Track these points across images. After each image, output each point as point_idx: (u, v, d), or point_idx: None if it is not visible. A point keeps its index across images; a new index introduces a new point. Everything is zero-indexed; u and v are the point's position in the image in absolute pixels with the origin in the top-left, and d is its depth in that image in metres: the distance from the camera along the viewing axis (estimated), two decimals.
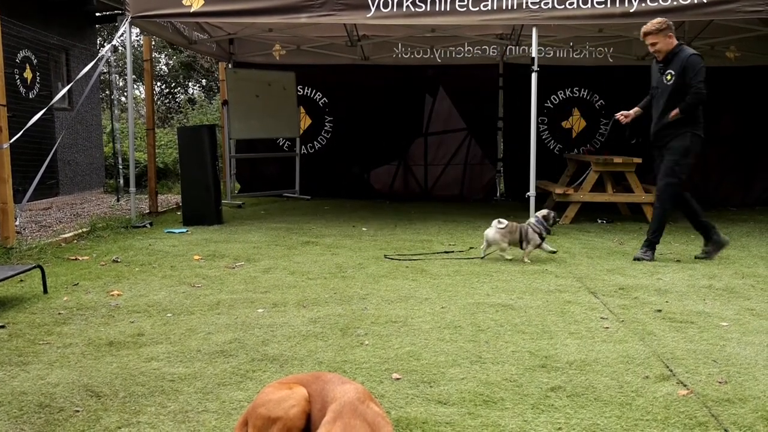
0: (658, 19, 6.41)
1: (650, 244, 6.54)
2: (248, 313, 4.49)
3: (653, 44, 6.40)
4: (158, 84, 24.73)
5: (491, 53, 12.07)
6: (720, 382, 3.28)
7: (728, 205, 11.08)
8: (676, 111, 6.32)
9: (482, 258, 6.50)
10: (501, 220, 6.46)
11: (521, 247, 6.47)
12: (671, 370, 3.44)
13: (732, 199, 11.40)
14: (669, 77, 6.38)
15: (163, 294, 5.03)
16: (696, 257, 6.62)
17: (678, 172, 6.37)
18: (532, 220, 6.58)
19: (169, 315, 4.46)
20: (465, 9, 7.78)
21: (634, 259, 6.46)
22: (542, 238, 6.47)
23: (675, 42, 6.38)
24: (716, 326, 4.26)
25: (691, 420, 2.87)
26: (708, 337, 4.02)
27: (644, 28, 6.41)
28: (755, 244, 7.36)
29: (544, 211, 6.64)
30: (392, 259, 6.43)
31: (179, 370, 3.42)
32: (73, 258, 6.39)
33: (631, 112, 6.92)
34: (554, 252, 6.69)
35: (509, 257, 6.46)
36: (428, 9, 7.81)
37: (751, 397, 3.11)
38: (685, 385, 3.24)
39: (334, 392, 2.44)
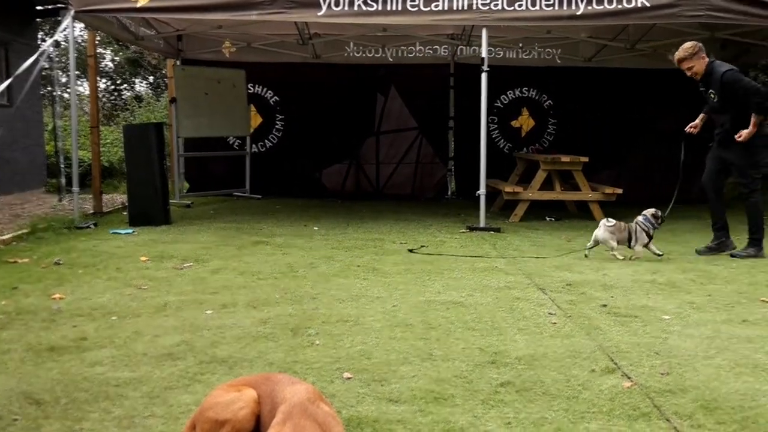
0: (689, 44, 6.54)
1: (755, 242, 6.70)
2: (197, 315, 4.43)
3: (689, 68, 6.55)
4: (103, 80, 24.23)
5: (442, 53, 12.14)
6: (662, 374, 3.37)
7: (676, 201, 11.31)
8: (754, 121, 6.34)
9: (586, 256, 6.55)
10: (609, 219, 6.51)
11: (629, 246, 6.49)
12: (616, 363, 3.52)
13: (679, 195, 11.64)
14: (713, 96, 6.56)
15: (108, 296, 4.92)
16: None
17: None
18: (639, 218, 6.54)
19: (113, 318, 4.37)
20: (416, 9, 7.81)
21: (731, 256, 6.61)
22: (650, 237, 6.46)
23: (707, 61, 6.51)
24: (659, 320, 4.38)
25: (635, 411, 2.94)
26: (651, 331, 4.12)
27: (677, 56, 6.54)
28: (696, 240, 7.52)
29: (652, 210, 6.57)
30: (415, 252, 6.59)
31: (124, 375, 3.35)
32: (12, 261, 6.18)
33: (698, 120, 6.95)
34: (660, 255, 6.50)
35: (620, 257, 6.42)
36: (380, 8, 7.81)
37: (691, 387, 3.20)
38: (629, 378, 3.32)
39: (284, 393, 2.42)
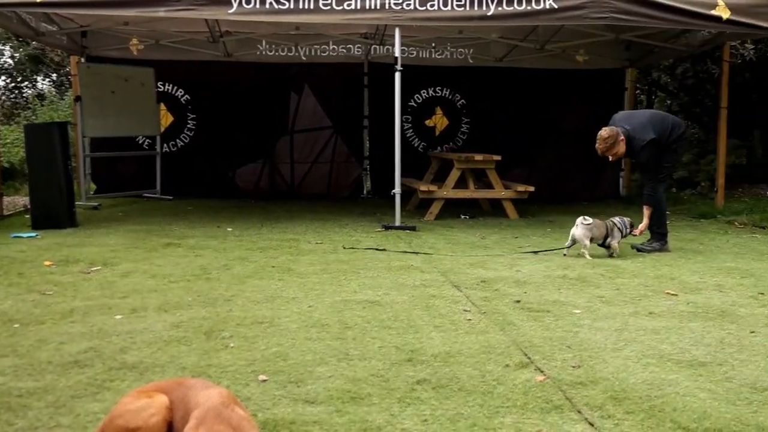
0: (606, 134, 6.77)
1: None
2: (105, 320, 4.27)
3: (614, 155, 6.84)
4: (2, 78, 23.21)
5: (356, 52, 12.15)
6: (573, 367, 3.46)
7: (580, 199, 11.69)
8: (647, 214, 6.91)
9: (564, 255, 6.60)
10: (586, 217, 6.55)
11: (601, 244, 6.60)
12: (529, 358, 3.59)
13: (583, 193, 12.05)
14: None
15: (9, 303, 4.70)
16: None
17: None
18: (616, 219, 6.67)
19: (16, 326, 4.17)
20: (329, 8, 7.77)
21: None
22: (623, 236, 6.62)
23: (624, 140, 6.74)
24: (570, 314, 4.49)
25: (548, 404, 3.00)
26: (563, 325, 4.22)
27: (600, 149, 6.79)
28: None
29: (629, 219, 6.76)
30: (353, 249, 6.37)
31: (28, 384, 3.20)
32: None
33: None
34: (614, 256, 6.64)
35: (589, 257, 6.45)
36: (292, 6, 7.72)
37: (601, 379, 3.29)
38: (542, 371, 3.39)
39: (197, 398, 2.36)
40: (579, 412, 2.92)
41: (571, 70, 12.16)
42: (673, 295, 5.05)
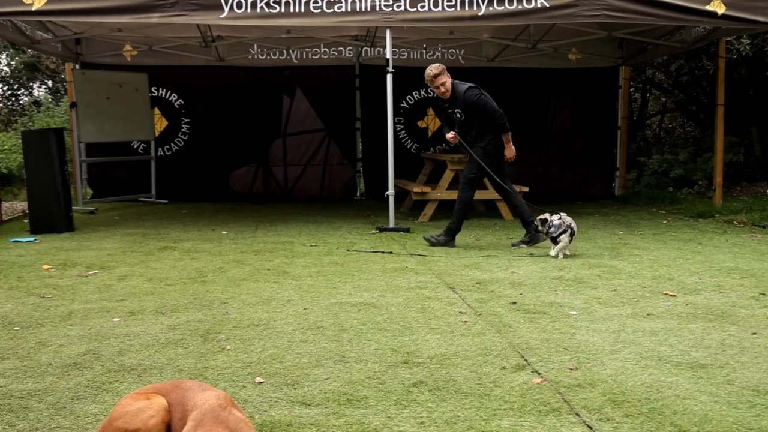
0: (435, 64, 7.13)
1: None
2: (103, 323, 4.30)
3: (443, 84, 7.08)
4: None
5: (347, 54, 12.18)
6: (571, 369, 3.46)
7: (573, 198, 11.73)
8: (507, 138, 7.28)
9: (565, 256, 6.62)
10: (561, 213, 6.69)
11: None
12: (526, 360, 3.60)
13: (576, 193, 12.08)
14: (459, 115, 7.14)
15: (10, 306, 4.73)
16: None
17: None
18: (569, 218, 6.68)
19: (16, 329, 4.20)
20: (319, 10, 7.80)
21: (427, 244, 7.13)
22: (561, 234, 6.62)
23: (451, 80, 7.11)
24: (566, 315, 4.49)
25: (546, 407, 3.01)
26: (559, 326, 4.22)
27: (430, 73, 7.07)
28: (600, 236, 7.83)
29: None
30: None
31: (28, 386, 3.23)
32: None
33: (452, 134, 7.35)
34: (554, 256, 6.61)
35: (553, 254, 6.58)
36: (282, 10, 7.75)
37: (599, 381, 3.29)
38: (539, 374, 3.39)
39: (195, 400, 2.39)
40: (577, 414, 2.93)
41: (564, 69, 12.20)
42: (671, 296, 5.03)
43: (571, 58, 12.16)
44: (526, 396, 3.12)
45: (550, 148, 12.29)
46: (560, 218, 6.63)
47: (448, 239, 7.24)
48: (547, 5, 7.87)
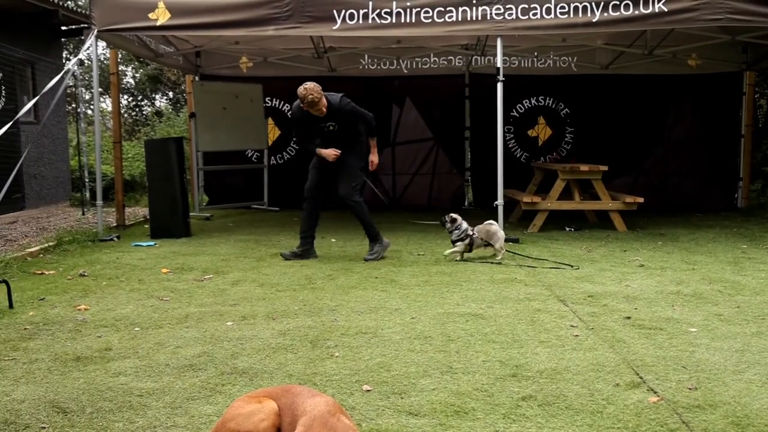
0: (311, 85, 6.74)
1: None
2: (217, 326, 4.45)
3: (324, 106, 6.84)
4: (125, 97, 24.52)
5: (457, 63, 12.14)
6: (690, 389, 3.30)
7: (692, 210, 11.24)
8: (373, 144, 7.26)
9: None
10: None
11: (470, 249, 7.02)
12: (641, 377, 3.47)
13: (695, 205, 11.56)
14: (332, 127, 7.00)
15: (131, 308, 4.96)
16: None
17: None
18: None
19: (137, 329, 4.40)
20: (430, 20, 7.82)
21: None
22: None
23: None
24: (685, 332, 4.30)
25: (662, 427, 2.88)
26: (677, 344, 4.05)
27: (310, 101, 6.70)
28: (722, 250, 7.46)
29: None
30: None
31: (147, 385, 3.37)
32: (39, 272, 6.28)
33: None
34: (457, 259, 6.98)
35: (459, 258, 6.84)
36: (394, 21, 7.83)
37: (721, 402, 3.13)
38: (655, 392, 3.26)
39: (305, 405, 2.42)
40: None
41: (684, 75, 11.71)
42: None
43: (691, 63, 11.65)
44: (641, 415, 3.00)
45: (668, 157, 11.84)
46: (472, 229, 6.95)
47: (374, 244, 7.09)
48: (666, 9, 7.59)
